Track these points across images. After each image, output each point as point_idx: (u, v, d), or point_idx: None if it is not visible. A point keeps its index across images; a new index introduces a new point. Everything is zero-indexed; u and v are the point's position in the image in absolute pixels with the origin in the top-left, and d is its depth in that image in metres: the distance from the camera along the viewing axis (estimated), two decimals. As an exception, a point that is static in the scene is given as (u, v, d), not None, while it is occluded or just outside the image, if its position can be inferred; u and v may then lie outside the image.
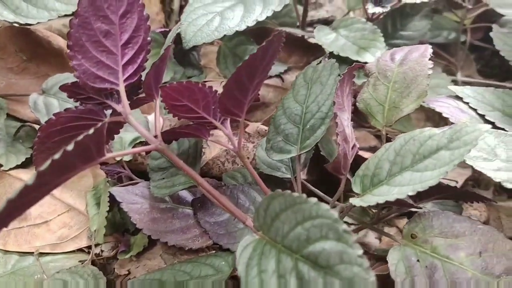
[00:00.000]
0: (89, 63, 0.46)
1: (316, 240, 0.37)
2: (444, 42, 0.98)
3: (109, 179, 0.68)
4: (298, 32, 0.84)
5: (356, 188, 0.50)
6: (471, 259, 0.46)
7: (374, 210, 0.64)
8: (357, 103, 0.61)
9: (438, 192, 0.59)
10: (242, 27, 0.63)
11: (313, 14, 1.12)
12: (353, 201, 0.48)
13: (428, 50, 0.60)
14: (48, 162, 0.32)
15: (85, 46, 0.46)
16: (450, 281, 0.46)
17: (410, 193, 0.43)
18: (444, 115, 0.57)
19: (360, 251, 0.34)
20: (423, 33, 0.87)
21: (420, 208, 0.52)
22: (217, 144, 0.71)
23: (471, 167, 0.79)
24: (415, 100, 0.57)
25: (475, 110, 0.58)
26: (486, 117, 0.57)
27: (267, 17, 0.88)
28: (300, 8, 0.89)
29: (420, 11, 0.88)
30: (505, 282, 0.45)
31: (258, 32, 0.93)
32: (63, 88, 0.48)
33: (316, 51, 0.91)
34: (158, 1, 1.01)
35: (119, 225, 0.68)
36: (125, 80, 0.49)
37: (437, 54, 0.98)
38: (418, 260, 0.48)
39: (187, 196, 0.65)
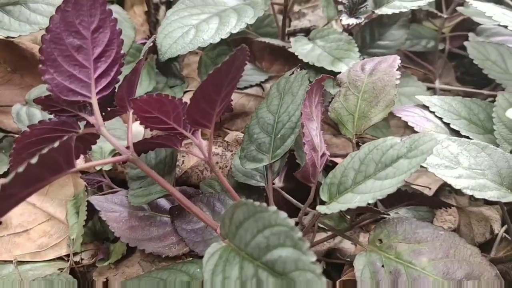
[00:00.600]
0: (62, 77, 0.48)
1: (275, 248, 0.38)
2: (423, 51, 1.00)
3: (89, 188, 0.69)
4: (279, 42, 0.85)
5: (323, 196, 0.52)
6: (433, 264, 0.48)
7: (348, 217, 0.65)
8: (328, 113, 0.63)
9: (409, 198, 0.61)
10: (216, 40, 0.65)
11: (296, 24, 1.14)
12: (320, 208, 0.49)
13: (397, 61, 0.62)
14: (12, 175, 0.33)
15: (57, 61, 0.47)
16: (412, 284, 0.47)
17: (370, 201, 0.45)
18: (410, 124, 0.59)
19: (314, 258, 0.36)
20: (401, 42, 0.89)
21: (388, 214, 0.53)
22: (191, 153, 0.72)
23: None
24: (383, 109, 0.59)
25: (440, 119, 0.60)
26: (451, 126, 0.59)
27: (248, 28, 0.91)
28: (281, 19, 0.91)
29: (397, 20, 0.90)
30: (465, 285, 0.46)
31: (240, 42, 0.95)
32: (37, 101, 0.49)
33: (297, 60, 0.93)
34: (142, 12, 1.03)
35: (99, 234, 0.69)
36: (98, 93, 0.50)
37: (416, 63, 1.00)
38: (383, 266, 0.50)
39: (165, 204, 0.67)
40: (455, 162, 0.52)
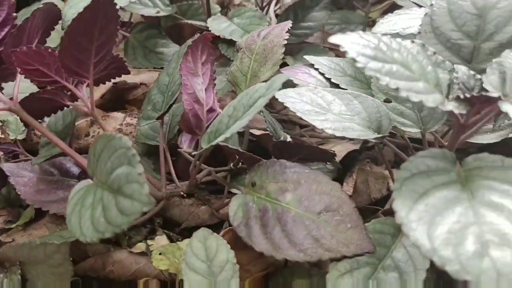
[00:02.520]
0: None
1: (115, 168, 0.41)
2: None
3: (3, 157, 0.71)
4: (202, 23, 0.89)
5: (203, 143, 0.55)
6: (296, 199, 0.50)
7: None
8: (227, 76, 0.66)
9: (300, 151, 0.63)
10: (123, 3, 0.69)
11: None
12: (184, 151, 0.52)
13: (288, 25, 0.65)
14: None
15: None
16: (277, 218, 0.50)
17: (228, 135, 0.47)
18: (295, 81, 0.62)
19: (141, 170, 0.38)
20: (322, 23, 0.93)
21: (260, 159, 0.56)
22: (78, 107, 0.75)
23: (362, 141, 0.83)
24: (271, 68, 0.62)
25: (323, 75, 0.63)
26: (332, 80, 0.62)
27: (177, 13, 0.94)
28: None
29: (319, 3, 0.94)
30: (325, 217, 0.49)
31: (171, 27, 0.99)
32: None
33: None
34: None
35: (14, 201, 0.71)
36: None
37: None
38: (255, 205, 0.52)
39: (76, 170, 0.69)
40: (326, 109, 0.55)
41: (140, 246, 0.64)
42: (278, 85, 0.47)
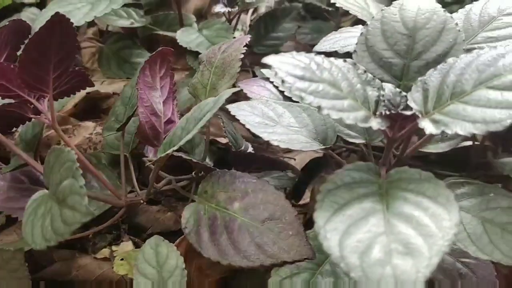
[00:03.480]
0: None
1: (62, 180, 0.44)
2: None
3: (-23, 165, 0.74)
4: (173, 34, 0.92)
5: (159, 153, 0.57)
6: (243, 208, 0.53)
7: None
8: (188, 88, 0.69)
9: (255, 161, 0.66)
10: (81, 22, 0.72)
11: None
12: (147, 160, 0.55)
13: (247, 39, 0.68)
14: None
15: None
16: (224, 226, 0.53)
17: (181, 143, 0.50)
18: (248, 94, 0.64)
19: (82, 182, 0.41)
20: (291, 34, 0.96)
21: (215, 169, 0.58)
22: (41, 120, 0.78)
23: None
24: (228, 81, 0.65)
25: (277, 88, 0.66)
26: (285, 93, 0.65)
27: (151, 23, 0.97)
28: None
29: (289, 14, 0.97)
30: (269, 225, 0.52)
31: (147, 37, 1.02)
32: None
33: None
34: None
35: (-14, 208, 0.74)
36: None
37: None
38: (205, 214, 0.55)
39: (45, 178, 0.72)
40: (276, 121, 0.58)
41: (104, 252, 0.67)
42: (223, 100, 0.50)
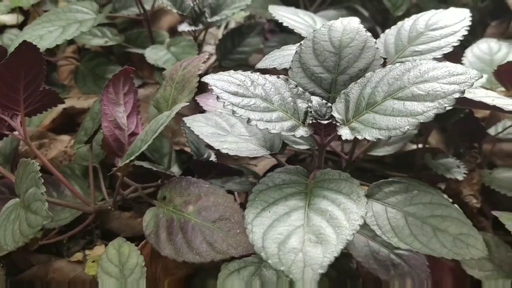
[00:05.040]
0: None
1: (28, 189, 0.50)
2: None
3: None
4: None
5: (121, 163, 0.63)
6: (196, 210, 0.59)
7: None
8: (152, 103, 0.75)
9: (214, 168, 0.72)
10: (53, 44, 0.78)
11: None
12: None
13: (205, 56, 0.74)
14: None
15: None
16: (180, 227, 0.58)
17: (141, 150, 0.56)
18: (204, 107, 0.70)
19: (43, 190, 0.47)
20: (256, 47, 1.03)
21: (174, 176, 0.64)
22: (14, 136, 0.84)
23: (288, 157, 0.92)
24: (187, 95, 0.71)
25: (231, 100, 0.72)
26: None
27: (124, 41, 1.03)
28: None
29: (254, 30, 1.04)
30: (219, 224, 0.57)
31: (121, 55, 1.08)
32: None
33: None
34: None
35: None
36: None
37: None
38: (163, 217, 0.61)
39: (23, 189, 0.78)
40: (228, 131, 0.64)
41: (78, 256, 0.73)
42: (173, 114, 0.56)
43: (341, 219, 0.43)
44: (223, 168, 0.71)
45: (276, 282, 0.53)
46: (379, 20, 1.11)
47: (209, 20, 0.87)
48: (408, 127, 0.44)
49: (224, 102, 0.47)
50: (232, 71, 0.51)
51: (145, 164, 0.65)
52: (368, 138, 0.46)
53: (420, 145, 0.81)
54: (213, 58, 1.09)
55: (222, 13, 0.88)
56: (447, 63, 0.47)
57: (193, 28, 0.87)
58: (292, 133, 0.48)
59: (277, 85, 0.52)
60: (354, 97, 0.51)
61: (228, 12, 0.86)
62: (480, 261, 0.68)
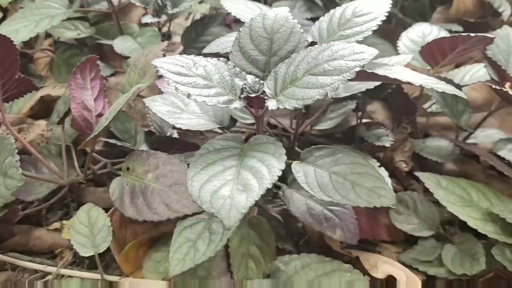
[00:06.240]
0: None
1: (5, 159, 0.58)
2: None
3: None
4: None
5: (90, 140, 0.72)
6: (155, 177, 0.68)
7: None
8: (118, 87, 0.84)
9: (177, 144, 0.81)
10: (26, 38, 0.86)
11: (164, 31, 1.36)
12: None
13: (164, 45, 0.83)
14: None
15: None
16: (141, 192, 0.68)
17: (100, 130, 0.65)
18: (162, 89, 0.80)
19: (17, 158, 0.56)
20: (218, 36, 1.11)
21: (137, 149, 0.73)
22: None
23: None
24: (148, 80, 0.80)
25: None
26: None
27: (96, 33, 1.11)
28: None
29: (216, 20, 1.13)
30: (174, 188, 0.67)
31: (94, 46, 1.16)
32: None
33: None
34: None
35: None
36: None
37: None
38: (127, 184, 0.70)
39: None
40: (183, 109, 0.73)
41: (56, 225, 0.82)
42: (130, 94, 0.65)
43: (264, 172, 0.53)
44: (184, 143, 0.80)
45: (222, 232, 0.63)
46: (331, 8, 1.20)
47: (170, 11, 0.96)
48: (318, 96, 0.54)
49: (168, 81, 0.56)
50: (178, 55, 0.60)
51: (111, 141, 0.74)
52: (287, 107, 0.55)
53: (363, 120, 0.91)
54: (181, 47, 1.18)
55: (181, 5, 0.96)
56: (354, 44, 0.57)
57: (156, 19, 0.96)
58: (227, 105, 0.57)
59: (218, 66, 0.61)
60: (281, 75, 0.60)
61: (187, 4, 0.95)
62: (408, 217, 0.79)
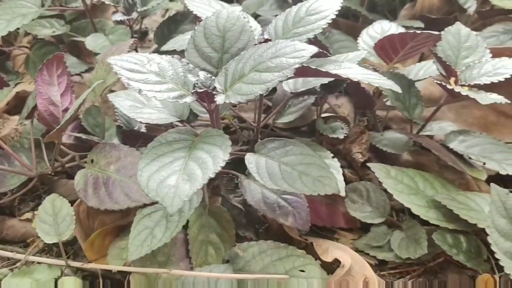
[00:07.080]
0: None
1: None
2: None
3: None
4: (89, 40, 1.09)
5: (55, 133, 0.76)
6: (116, 169, 0.72)
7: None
8: (86, 83, 0.87)
9: (143, 137, 0.85)
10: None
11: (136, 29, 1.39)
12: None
13: (129, 43, 0.87)
14: None
15: None
16: (103, 183, 0.71)
17: (63, 123, 0.69)
18: (125, 85, 0.83)
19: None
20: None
21: (100, 142, 0.77)
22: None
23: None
24: (114, 76, 0.83)
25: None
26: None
27: (71, 30, 1.15)
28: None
29: (187, 18, 1.16)
30: (134, 179, 0.71)
31: (71, 43, 1.19)
32: None
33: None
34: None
35: None
36: None
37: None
38: (91, 175, 0.74)
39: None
40: (145, 104, 0.77)
41: (27, 215, 0.86)
42: (91, 89, 0.68)
43: (209, 163, 0.57)
44: (149, 137, 0.83)
45: (178, 220, 0.67)
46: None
47: (139, 10, 0.99)
48: (260, 92, 0.58)
49: (121, 77, 0.60)
50: (134, 53, 0.64)
51: (78, 135, 0.78)
52: (233, 102, 0.59)
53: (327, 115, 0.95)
54: (155, 45, 1.21)
55: (150, 3, 1.00)
56: (296, 42, 0.61)
57: (125, 17, 0.99)
58: (178, 100, 0.61)
59: (172, 62, 0.65)
60: (231, 71, 0.64)
61: (155, 2, 0.98)
62: (361, 205, 0.83)
